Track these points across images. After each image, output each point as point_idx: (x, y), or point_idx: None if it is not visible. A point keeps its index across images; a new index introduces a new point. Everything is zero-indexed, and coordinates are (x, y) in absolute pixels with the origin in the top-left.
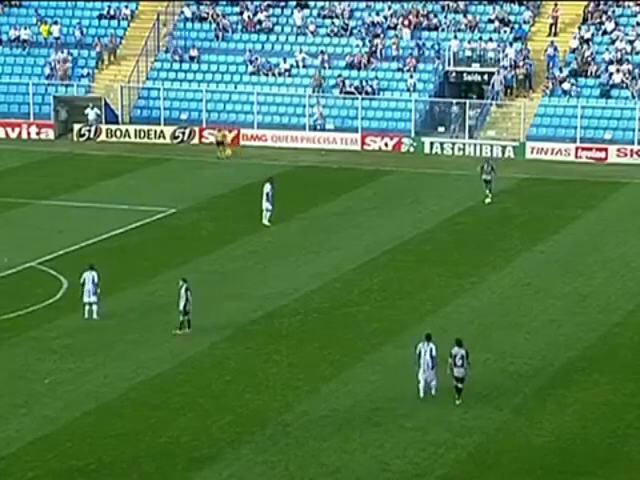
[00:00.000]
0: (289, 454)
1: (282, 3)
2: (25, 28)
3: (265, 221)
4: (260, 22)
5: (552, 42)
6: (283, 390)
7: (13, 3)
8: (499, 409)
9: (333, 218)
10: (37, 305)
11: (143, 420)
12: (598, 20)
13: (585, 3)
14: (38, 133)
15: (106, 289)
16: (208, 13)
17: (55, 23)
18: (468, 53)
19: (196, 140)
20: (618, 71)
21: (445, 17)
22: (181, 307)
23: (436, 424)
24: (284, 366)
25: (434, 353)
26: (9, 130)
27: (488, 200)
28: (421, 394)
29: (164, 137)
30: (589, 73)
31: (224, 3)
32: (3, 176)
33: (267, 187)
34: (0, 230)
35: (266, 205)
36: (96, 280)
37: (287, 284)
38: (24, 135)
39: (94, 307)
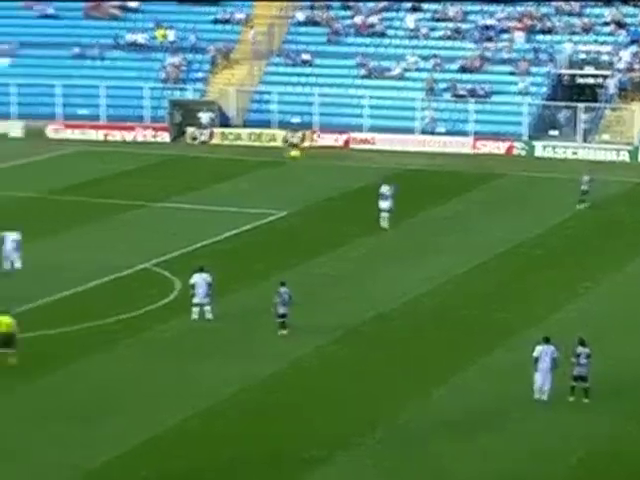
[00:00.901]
0: (400, 457)
1: (395, 6)
2: (142, 32)
3: (384, 224)
4: (373, 25)
5: None
6: (394, 393)
7: (131, 8)
8: (612, 414)
9: (443, 222)
10: (151, 306)
11: (252, 421)
12: None
13: None
14: (153, 136)
15: (218, 291)
16: (321, 17)
17: (171, 28)
18: (582, 56)
19: (308, 143)
20: None
21: (559, 20)
22: (279, 310)
23: (548, 429)
24: (394, 369)
25: (555, 355)
26: (125, 133)
27: (580, 206)
28: (536, 395)
29: (276, 140)
30: None
31: (337, 7)
32: (119, 178)
33: (384, 188)
34: (116, 232)
35: (384, 206)
36: (210, 281)
37: (397, 287)
38: (139, 138)
39: (207, 308)
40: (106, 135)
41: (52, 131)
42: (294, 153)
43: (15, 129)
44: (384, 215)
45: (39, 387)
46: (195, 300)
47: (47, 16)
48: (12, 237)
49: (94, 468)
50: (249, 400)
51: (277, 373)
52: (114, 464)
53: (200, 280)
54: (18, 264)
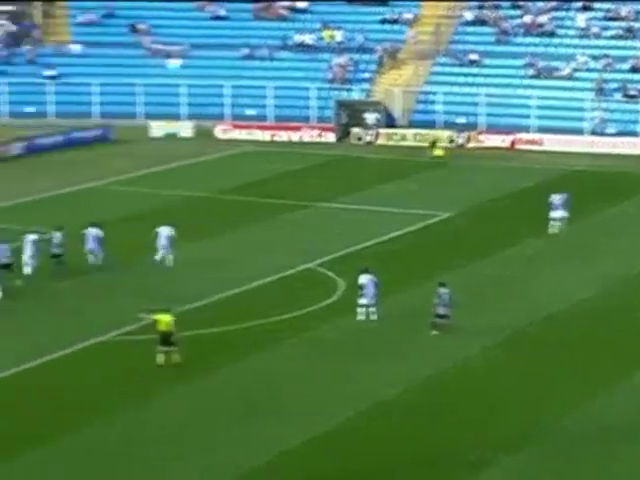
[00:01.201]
0: (565, 461)
1: (565, 5)
2: (310, 33)
3: (553, 230)
4: (542, 25)
5: None
6: (560, 395)
7: (300, 9)
8: None
9: (614, 223)
10: (314, 306)
11: (415, 422)
12: None
13: None
14: (319, 136)
15: (382, 292)
16: (489, 16)
17: (338, 28)
18: None
19: (473, 144)
20: None
21: None
22: (438, 311)
23: None
24: (561, 371)
25: None
26: (291, 133)
27: None
28: None
29: (442, 141)
30: None
31: (506, 6)
32: (285, 178)
33: (554, 197)
34: (282, 232)
35: (554, 215)
36: (376, 281)
37: (566, 288)
38: (306, 138)
39: (372, 309)
40: (273, 135)
41: (220, 131)
42: (437, 152)
43: (185, 129)
44: (554, 224)
45: (203, 386)
46: (363, 301)
47: (218, 17)
48: (167, 232)
49: (257, 467)
50: (412, 401)
51: (441, 374)
52: (276, 463)
53: (368, 281)
54: (169, 258)
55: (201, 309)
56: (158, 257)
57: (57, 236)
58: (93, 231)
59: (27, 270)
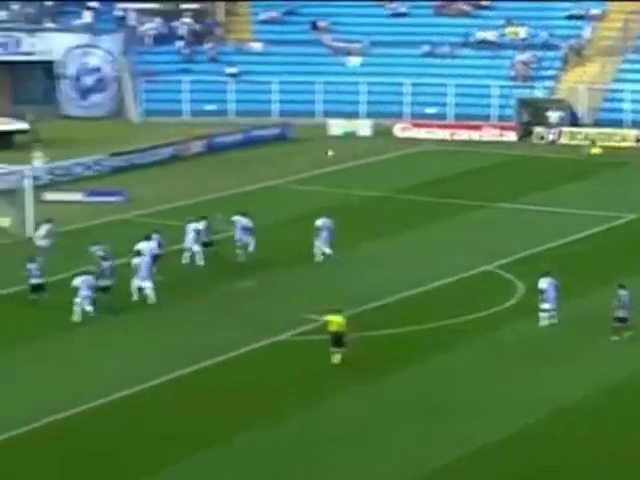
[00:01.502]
0: None
1: None
2: (493, 30)
3: None
4: None
5: None
6: None
7: (483, 5)
8: None
9: None
10: (495, 308)
11: (597, 427)
12: None
13: None
14: (500, 135)
15: (563, 295)
16: None
17: (522, 25)
18: None
19: None
20: None
21: None
22: (618, 314)
23: None
24: None
25: None
26: (471, 132)
27: None
28: None
29: (628, 140)
30: None
31: None
32: (464, 178)
33: None
34: (460, 232)
35: None
36: (557, 284)
37: None
38: (486, 137)
39: (552, 313)
40: (452, 134)
41: (399, 130)
42: (595, 150)
43: (364, 128)
44: None
45: (379, 387)
46: (545, 306)
47: (399, 14)
48: (328, 224)
49: (438, 468)
50: (594, 406)
51: (624, 379)
52: (455, 466)
53: (548, 285)
54: (328, 250)
55: (380, 309)
56: (318, 255)
57: (202, 225)
58: (242, 220)
59: (185, 258)
